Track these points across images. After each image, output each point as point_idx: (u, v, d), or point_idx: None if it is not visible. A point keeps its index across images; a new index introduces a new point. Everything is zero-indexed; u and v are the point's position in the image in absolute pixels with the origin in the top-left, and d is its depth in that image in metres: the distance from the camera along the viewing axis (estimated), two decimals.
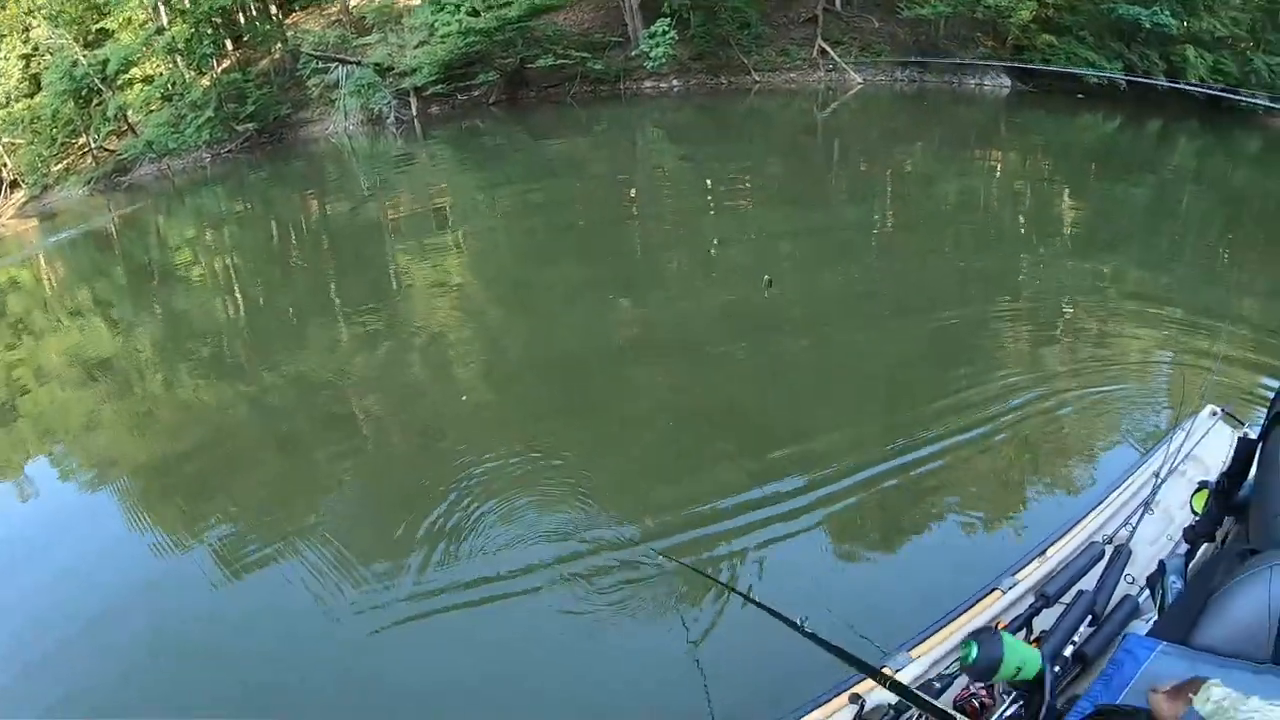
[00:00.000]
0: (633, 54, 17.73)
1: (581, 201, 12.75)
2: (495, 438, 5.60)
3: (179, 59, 21.16)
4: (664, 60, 16.98)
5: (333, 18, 20.95)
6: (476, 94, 18.27)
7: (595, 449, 5.34)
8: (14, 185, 24.40)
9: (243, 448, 7.11)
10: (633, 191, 12.43)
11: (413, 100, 18.50)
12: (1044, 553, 2.45)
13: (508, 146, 16.95)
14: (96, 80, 21.76)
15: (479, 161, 16.55)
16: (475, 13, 17.89)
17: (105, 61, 21.33)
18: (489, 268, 10.69)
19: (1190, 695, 1.11)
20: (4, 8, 24.61)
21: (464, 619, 3.85)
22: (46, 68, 22.98)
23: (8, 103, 23.74)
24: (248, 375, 8.90)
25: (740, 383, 5.94)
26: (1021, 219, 10.62)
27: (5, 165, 24.50)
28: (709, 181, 12.40)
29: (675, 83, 17.60)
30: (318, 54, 19.55)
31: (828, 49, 17.32)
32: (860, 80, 17.09)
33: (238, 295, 12.96)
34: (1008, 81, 17.49)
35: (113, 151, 22.24)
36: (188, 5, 20.52)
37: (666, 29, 17.06)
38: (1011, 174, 12.78)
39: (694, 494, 4.46)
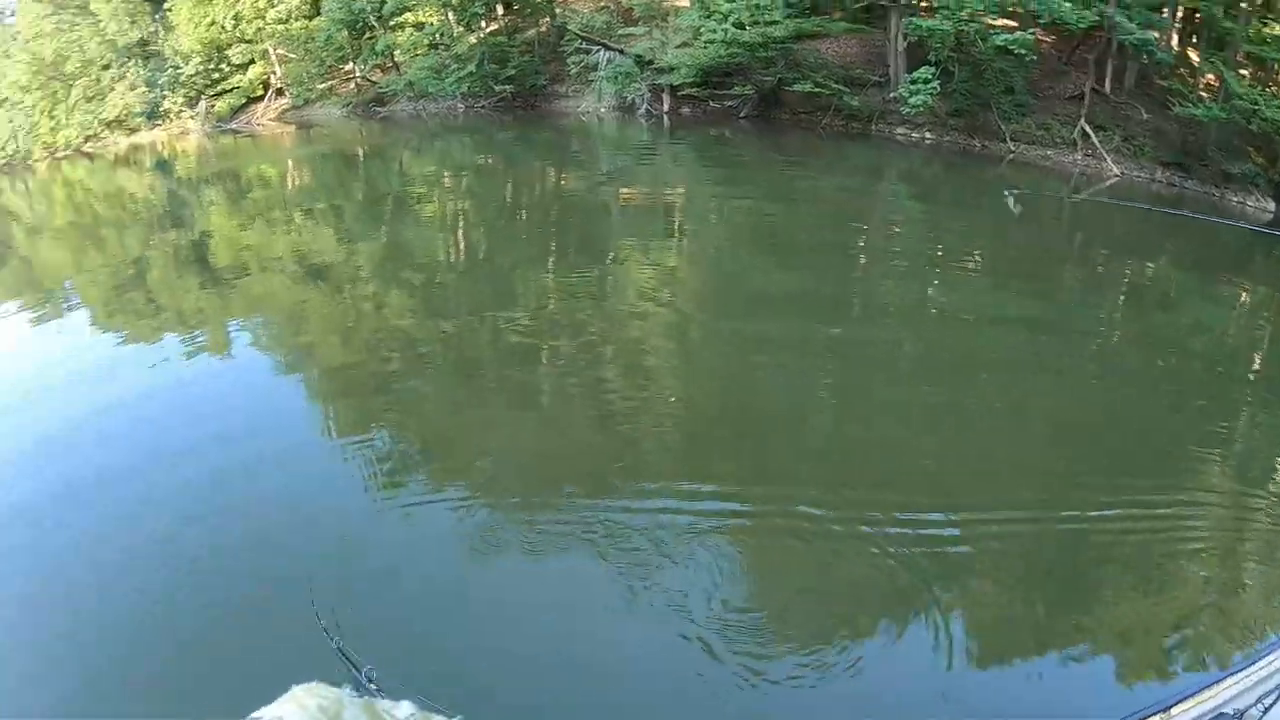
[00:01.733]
0: (890, 96, 17.89)
1: (810, 233, 12.86)
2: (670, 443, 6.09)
3: (451, 13, 22.70)
4: (921, 108, 17.07)
5: (601, 3, 22.02)
6: (729, 104, 18.85)
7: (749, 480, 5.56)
8: (279, 93, 26.88)
9: (428, 371, 8.01)
10: (861, 241, 12.58)
11: (666, 97, 19.28)
12: (1168, 710, 2.36)
13: (750, 162, 17.42)
14: (372, 17, 23.65)
15: (718, 170, 17.03)
16: (742, 25, 18.37)
17: (383, 2, 23.09)
18: (704, 274, 11.01)
19: None
20: None
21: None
22: None
23: (288, 19, 26.13)
24: (450, 311, 9.69)
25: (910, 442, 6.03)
26: (1255, 360, 9.84)
27: (275, 73, 27.01)
28: (940, 248, 12.37)
29: (928, 135, 17.66)
30: (583, 34, 20.59)
31: (1089, 132, 17.05)
32: (1117, 172, 16.75)
33: (460, 238, 13.95)
34: (1271, 206, 16.76)
35: (375, 83, 24.22)
36: None
37: (930, 77, 17.08)
38: (1256, 311, 11.69)
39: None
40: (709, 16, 18.78)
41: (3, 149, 39.45)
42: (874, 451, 5.89)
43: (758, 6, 18.41)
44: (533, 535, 4.98)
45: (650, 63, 19.47)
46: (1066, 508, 4.97)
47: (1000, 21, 18.36)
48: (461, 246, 13.42)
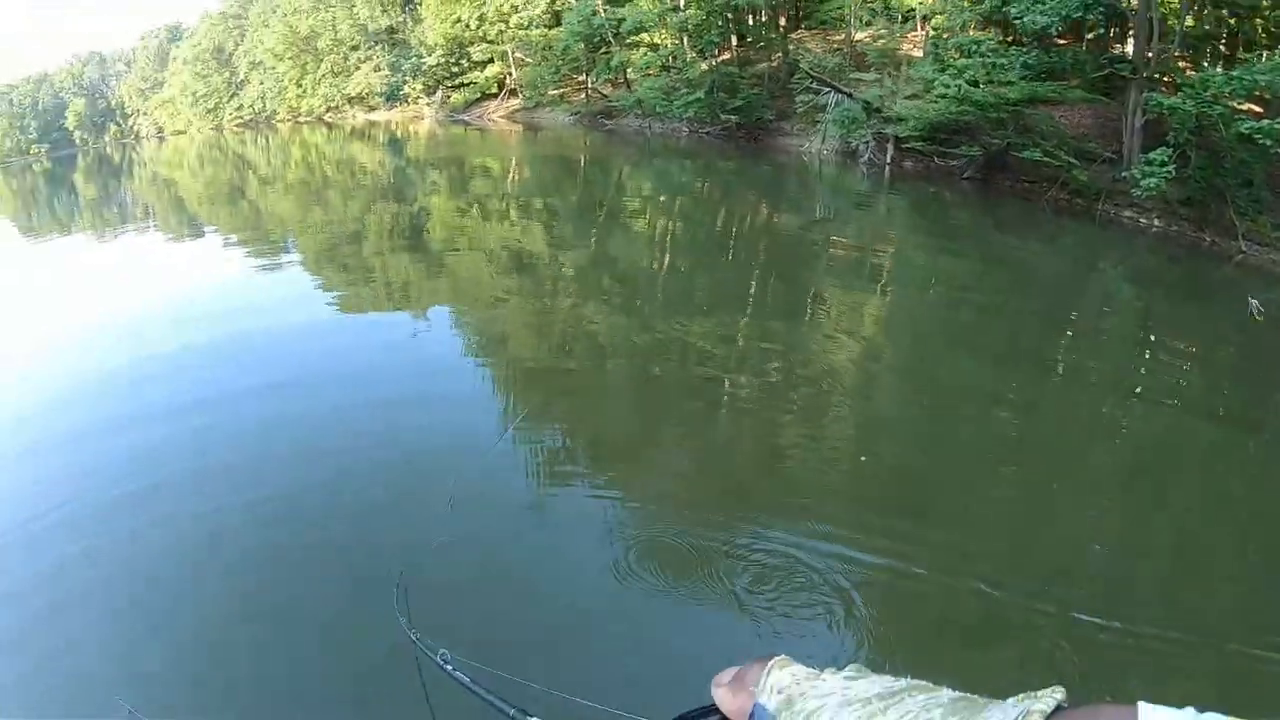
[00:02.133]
0: (1120, 175, 17.88)
1: (1018, 300, 12.60)
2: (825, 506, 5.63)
3: (686, 38, 24.24)
4: (1153, 192, 16.92)
5: (834, 45, 22.87)
6: (953, 163, 19.16)
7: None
8: (512, 93, 29.46)
9: (606, 374, 8.35)
10: (1071, 315, 11.94)
11: (889, 147, 19.87)
12: None
13: (966, 227, 17.55)
14: (609, 34, 25.57)
15: (933, 230, 17.09)
16: (975, 83, 18.72)
17: (621, 20, 24.96)
18: (903, 323, 10.90)
19: (751, 689, 0.91)
20: None
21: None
22: (569, 9, 27.26)
23: (529, 26, 28.53)
24: (641, 321, 10.00)
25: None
26: None
27: (510, 74, 29.58)
28: (1153, 335, 11.54)
29: (1157, 221, 17.38)
30: (814, 74, 21.50)
31: None
32: None
33: (665, 255, 14.72)
34: None
35: (605, 96, 26.16)
36: None
37: (1166, 160, 16.90)
38: None
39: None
40: (943, 71, 19.18)
41: (251, 106, 44.77)
42: (1056, 532, 5.52)
43: (995, 65, 18.79)
44: (673, 558, 4.83)
45: (878, 110, 20.05)
46: (1247, 644, 4.56)
47: (1245, 106, 17.95)
48: (664, 263, 14.14)
